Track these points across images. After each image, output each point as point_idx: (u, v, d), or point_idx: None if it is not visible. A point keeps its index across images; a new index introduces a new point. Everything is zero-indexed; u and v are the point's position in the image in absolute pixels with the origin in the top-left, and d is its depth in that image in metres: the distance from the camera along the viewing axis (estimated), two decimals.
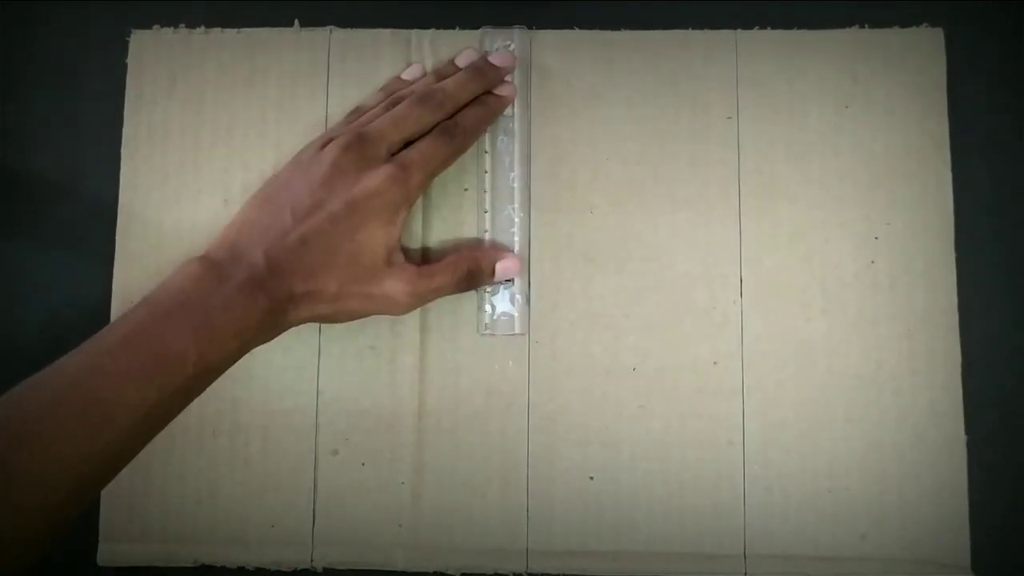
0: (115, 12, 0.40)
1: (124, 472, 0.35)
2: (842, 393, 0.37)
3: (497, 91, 0.37)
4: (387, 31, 0.39)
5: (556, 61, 0.39)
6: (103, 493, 0.37)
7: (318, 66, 0.39)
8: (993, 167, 0.38)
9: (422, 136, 0.35)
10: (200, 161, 0.39)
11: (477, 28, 0.39)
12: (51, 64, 0.40)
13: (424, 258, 0.38)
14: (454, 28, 0.39)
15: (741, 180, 0.38)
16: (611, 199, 0.38)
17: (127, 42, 0.39)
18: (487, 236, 0.37)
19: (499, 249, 0.37)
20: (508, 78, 0.38)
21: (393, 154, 0.34)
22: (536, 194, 0.38)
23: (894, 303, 0.37)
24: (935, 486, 0.36)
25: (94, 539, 0.37)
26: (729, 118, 0.39)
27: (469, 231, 0.38)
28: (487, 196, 0.38)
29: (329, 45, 0.39)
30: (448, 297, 0.36)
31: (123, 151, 0.39)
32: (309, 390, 0.37)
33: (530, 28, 0.39)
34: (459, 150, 0.36)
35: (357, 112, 0.37)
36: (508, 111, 0.38)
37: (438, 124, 0.35)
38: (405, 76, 0.38)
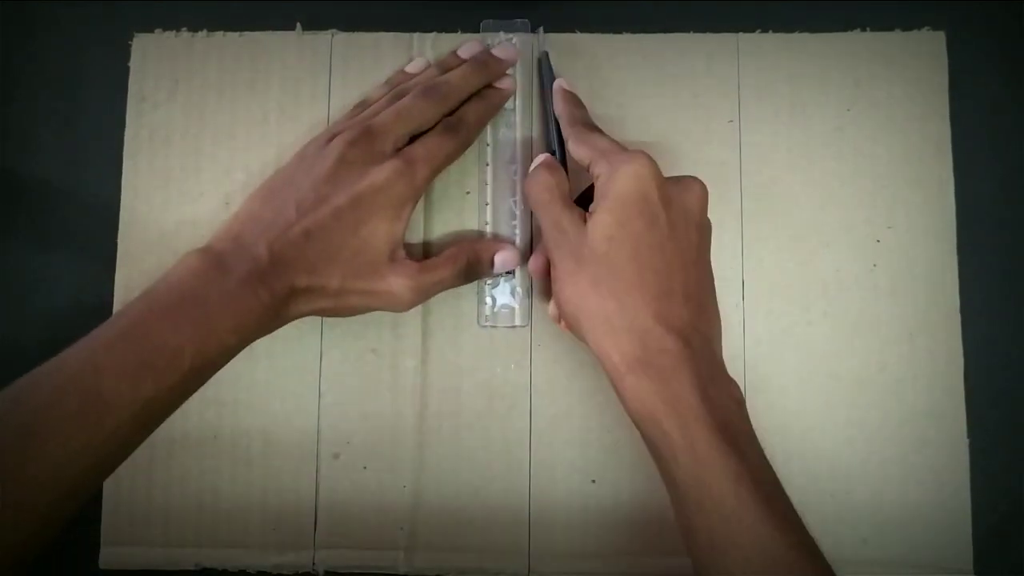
0: (117, 15, 0.40)
1: (126, 476, 0.35)
2: (844, 396, 0.37)
3: (498, 84, 0.38)
4: (389, 34, 0.39)
5: (558, 63, 0.39)
6: (105, 496, 0.37)
7: (320, 69, 0.39)
8: (994, 170, 0.38)
9: (427, 130, 0.35)
10: (202, 164, 0.39)
11: (479, 32, 0.39)
12: (54, 67, 0.40)
13: (425, 253, 0.38)
14: (456, 31, 0.39)
15: (743, 183, 0.38)
16: None
17: (129, 45, 0.39)
18: (488, 229, 0.38)
19: (499, 240, 0.37)
20: (509, 71, 0.38)
21: (399, 148, 0.34)
22: None
23: (896, 306, 0.37)
24: (937, 489, 0.36)
25: (96, 543, 0.37)
26: (731, 121, 0.39)
27: (470, 223, 0.38)
28: (488, 189, 0.38)
29: (331, 48, 0.39)
30: (450, 299, 0.36)
31: (125, 153, 0.39)
32: (311, 393, 0.37)
33: (532, 31, 0.39)
34: (463, 145, 0.36)
35: (362, 106, 0.38)
36: (510, 103, 0.38)
37: (442, 118, 0.36)
38: (409, 69, 0.38)
